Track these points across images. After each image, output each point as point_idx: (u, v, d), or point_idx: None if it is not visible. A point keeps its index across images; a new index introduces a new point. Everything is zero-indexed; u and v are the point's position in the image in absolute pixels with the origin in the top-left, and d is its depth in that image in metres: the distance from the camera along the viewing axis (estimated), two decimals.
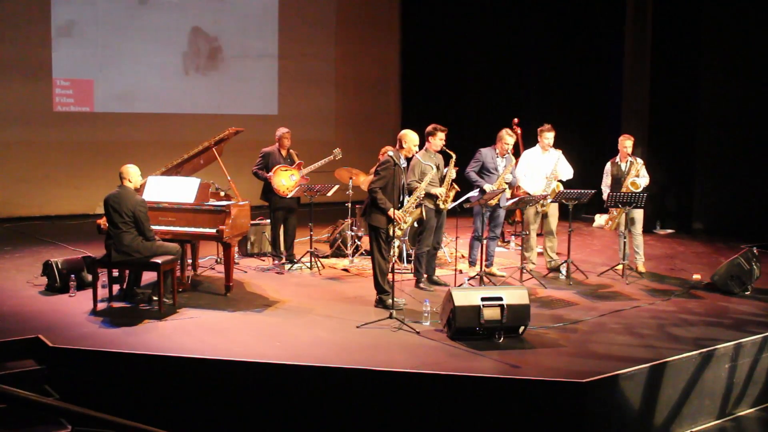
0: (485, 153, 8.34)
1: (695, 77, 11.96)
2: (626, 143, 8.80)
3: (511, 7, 14.16)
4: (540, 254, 9.06)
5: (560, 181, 8.66)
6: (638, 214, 8.73)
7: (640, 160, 8.84)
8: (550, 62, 13.76)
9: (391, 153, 7.14)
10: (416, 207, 7.33)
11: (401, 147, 7.19)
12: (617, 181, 8.80)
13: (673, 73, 12.17)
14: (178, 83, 13.04)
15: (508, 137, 8.27)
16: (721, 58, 11.80)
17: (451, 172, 7.84)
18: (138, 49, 12.62)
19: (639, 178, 8.71)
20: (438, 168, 7.79)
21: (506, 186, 8.40)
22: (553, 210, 8.79)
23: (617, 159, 8.88)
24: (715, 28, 11.81)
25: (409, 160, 7.40)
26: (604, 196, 8.75)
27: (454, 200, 7.98)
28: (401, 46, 14.81)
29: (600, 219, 12.20)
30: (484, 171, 8.31)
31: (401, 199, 7.18)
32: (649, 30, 12.44)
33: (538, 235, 8.94)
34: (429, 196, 7.72)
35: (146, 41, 12.68)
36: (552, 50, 13.73)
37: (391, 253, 7.21)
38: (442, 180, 7.81)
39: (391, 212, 6.97)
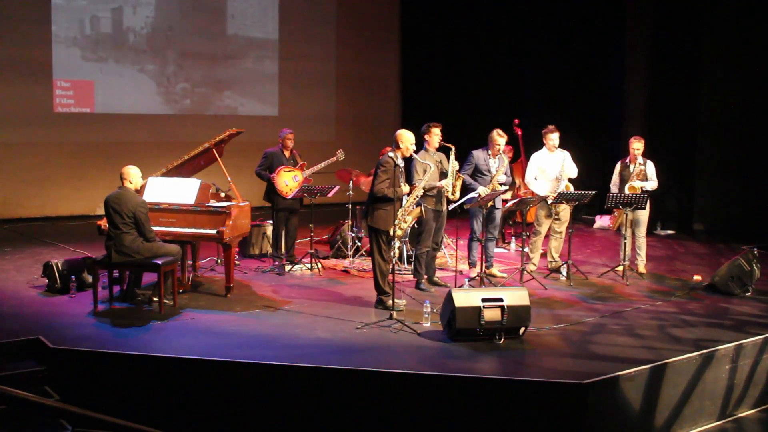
0: (477, 155, 8.34)
1: (695, 78, 11.96)
2: (635, 145, 8.74)
3: (511, 8, 14.16)
4: (542, 256, 9.04)
5: (569, 180, 8.63)
6: (642, 216, 8.71)
7: (650, 164, 8.76)
8: (550, 63, 13.77)
9: (390, 154, 7.14)
10: (416, 206, 7.32)
11: (398, 147, 7.17)
12: (624, 182, 8.77)
13: (673, 74, 12.18)
14: (179, 84, 13.04)
15: (498, 138, 8.27)
16: (721, 58, 11.79)
17: (454, 164, 7.83)
18: (138, 49, 12.63)
19: (641, 182, 8.66)
20: (441, 163, 7.80)
21: (504, 187, 8.39)
22: (566, 212, 8.75)
23: (627, 160, 8.85)
24: (715, 28, 11.80)
25: (406, 159, 7.36)
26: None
27: (462, 193, 7.96)
28: (401, 47, 14.81)
29: (600, 220, 12.21)
30: (477, 173, 8.31)
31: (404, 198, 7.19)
32: (650, 30, 12.45)
33: (545, 236, 8.91)
34: (428, 196, 7.73)
35: (147, 42, 12.69)
36: (552, 51, 13.73)
37: (392, 253, 7.21)
38: (446, 174, 7.81)
39: (402, 189, 6.93)
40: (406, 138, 7.16)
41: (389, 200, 6.94)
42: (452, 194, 7.80)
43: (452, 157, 7.80)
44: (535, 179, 8.71)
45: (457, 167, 7.90)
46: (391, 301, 6.91)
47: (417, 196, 7.35)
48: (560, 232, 8.82)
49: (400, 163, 7.13)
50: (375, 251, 7.10)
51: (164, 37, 12.85)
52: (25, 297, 7.39)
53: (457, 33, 14.40)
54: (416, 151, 7.42)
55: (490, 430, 5.44)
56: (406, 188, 7.05)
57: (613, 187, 8.85)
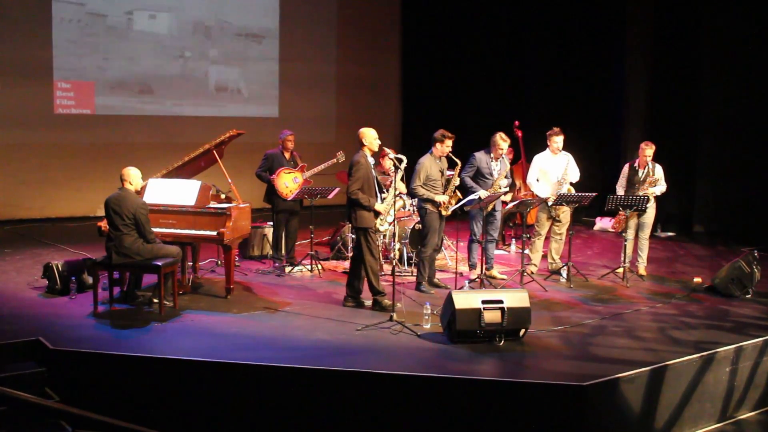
0: (479, 157, 8.33)
1: (696, 80, 11.97)
2: (647, 152, 8.66)
3: (512, 10, 14.17)
4: (542, 258, 9.02)
5: (571, 183, 8.63)
6: (649, 219, 8.69)
7: (659, 169, 8.72)
8: (550, 64, 13.77)
9: (391, 154, 7.17)
10: (396, 196, 7.40)
11: (362, 145, 7.20)
12: (632, 185, 8.71)
13: (674, 76, 12.19)
14: (179, 86, 13.05)
15: (501, 142, 8.27)
16: (722, 60, 11.80)
17: (455, 180, 7.87)
18: (139, 51, 12.64)
19: (654, 188, 8.63)
20: (442, 173, 7.83)
21: (505, 189, 8.39)
22: (567, 214, 8.74)
23: (636, 164, 8.80)
24: (716, 30, 11.81)
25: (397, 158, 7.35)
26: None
27: (456, 204, 8.00)
28: (402, 48, 14.82)
29: (601, 222, 12.20)
30: (479, 176, 8.30)
31: (381, 195, 7.28)
32: (650, 32, 12.45)
33: (546, 238, 8.91)
34: (432, 200, 7.75)
35: (147, 44, 12.70)
36: (553, 52, 13.74)
37: (393, 254, 7.23)
38: (445, 185, 7.84)
39: (377, 207, 7.09)
40: (368, 135, 7.21)
41: (368, 201, 7.06)
42: (445, 210, 7.82)
43: (456, 172, 7.83)
44: (537, 181, 8.70)
45: (457, 183, 7.93)
46: (387, 301, 6.97)
47: (396, 189, 7.39)
48: (560, 234, 8.82)
49: (371, 160, 7.19)
50: (365, 251, 7.09)
51: (165, 39, 12.85)
52: (25, 298, 7.39)
53: (458, 35, 14.40)
54: (384, 156, 7.39)
55: None
56: (381, 206, 7.14)
57: (620, 189, 8.81)
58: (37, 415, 5.06)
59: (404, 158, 7.41)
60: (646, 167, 8.70)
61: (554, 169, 8.62)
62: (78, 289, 7.42)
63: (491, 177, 8.28)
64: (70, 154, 12.23)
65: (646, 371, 5.68)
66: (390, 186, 7.42)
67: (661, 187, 8.71)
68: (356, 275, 7.27)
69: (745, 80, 11.63)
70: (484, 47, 14.35)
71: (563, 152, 8.67)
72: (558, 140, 8.63)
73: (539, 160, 8.75)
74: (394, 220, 7.38)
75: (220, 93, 13.41)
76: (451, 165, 7.90)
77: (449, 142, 7.78)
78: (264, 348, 6.06)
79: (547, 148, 8.72)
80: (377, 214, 7.13)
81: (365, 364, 5.65)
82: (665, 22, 12.28)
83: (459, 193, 8.05)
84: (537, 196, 8.63)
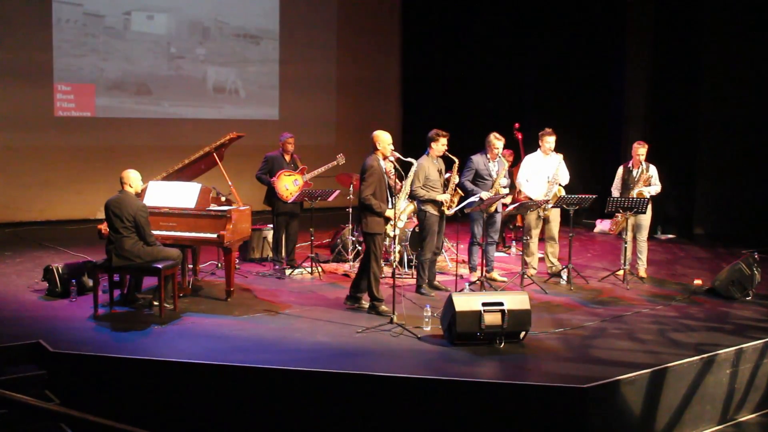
0: (477, 160, 8.33)
1: (696, 82, 11.97)
2: (640, 150, 8.70)
3: (512, 12, 14.18)
4: (541, 260, 9.04)
5: (560, 185, 8.65)
6: (645, 221, 8.70)
7: (653, 168, 8.75)
8: (551, 66, 13.78)
9: (380, 159, 7.15)
10: (408, 201, 7.38)
11: (376, 149, 7.17)
12: (627, 186, 8.75)
13: (674, 78, 12.19)
14: (178, 87, 13.06)
15: (496, 141, 8.27)
16: (722, 62, 11.81)
17: (455, 177, 7.87)
18: (139, 54, 12.65)
19: (648, 187, 8.66)
20: (441, 173, 7.83)
21: (505, 190, 8.39)
22: (555, 215, 8.77)
23: (630, 164, 8.82)
24: (716, 32, 11.81)
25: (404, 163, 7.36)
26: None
27: (462, 199, 8.01)
28: (402, 50, 14.84)
29: (601, 225, 12.20)
30: (478, 178, 8.30)
31: (392, 199, 7.25)
32: (651, 34, 12.46)
33: (540, 240, 8.92)
34: (432, 201, 7.75)
35: (147, 47, 12.71)
36: (553, 54, 13.75)
37: (393, 257, 7.24)
38: (445, 185, 7.85)
39: (388, 213, 7.05)
40: (383, 138, 7.16)
41: (380, 207, 7.01)
42: (448, 209, 7.82)
43: (454, 170, 7.83)
44: (527, 181, 8.71)
45: (457, 180, 7.93)
46: (384, 307, 6.95)
47: (406, 193, 7.38)
48: (554, 237, 8.82)
49: (384, 165, 7.15)
50: (371, 257, 7.09)
51: (165, 41, 12.88)
52: (25, 301, 7.39)
53: (458, 37, 14.41)
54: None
55: None
56: (391, 213, 7.10)
57: (615, 191, 8.83)
58: (38, 418, 5.07)
59: (414, 161, 7.42)
60: (640, 167, 8.72)
61: (545, 170, 8.63)
62: (78, 292, 7.42)
63: (490, 178, 8.29)
64: (71, 157, 12.24)
65: (646, 373, 5.68)
66: (401, 189, 7.40)
67: (655, 188, 8.72)
68: (362, 276, 7.27)
69: (745, 80, 11.63)
70: (484, 48, 14.35)
71: (554, 153, 8.68)
72: (550, 140, 8.64)
73: (529, 160, 8.77)
74: (398, 223, 7.34)
75: (219, 94, 13.42)
76: (449, 164, 7.89)
77: (444, 140, 7.77)
78: (264, 350, 6.06)
79: (539, 149, 8.73)
80: (387, 220, 7.11)
81: (366, 367, 5.65)
82: (665, 22, 12.28)
83: (460, 190, 8.06)
84: (528, 197, 8.62)
